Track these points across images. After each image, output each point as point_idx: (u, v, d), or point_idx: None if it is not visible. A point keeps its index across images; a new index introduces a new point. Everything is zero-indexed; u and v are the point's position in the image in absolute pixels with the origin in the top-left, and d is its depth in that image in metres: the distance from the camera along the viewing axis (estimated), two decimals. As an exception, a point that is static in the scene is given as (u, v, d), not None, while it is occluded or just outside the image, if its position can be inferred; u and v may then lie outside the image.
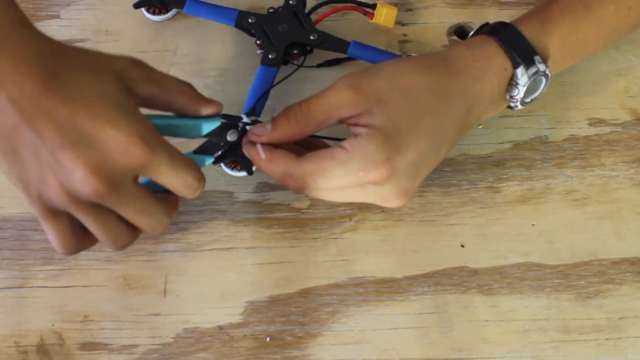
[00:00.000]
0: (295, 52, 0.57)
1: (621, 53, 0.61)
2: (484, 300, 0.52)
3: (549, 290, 0.53)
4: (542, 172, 0.56)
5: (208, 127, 0.49)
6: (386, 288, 0.53)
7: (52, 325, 0.51)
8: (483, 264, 0.53)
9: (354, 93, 0.46)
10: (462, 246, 0.54)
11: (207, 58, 0.59)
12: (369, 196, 0.48)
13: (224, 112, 0.49)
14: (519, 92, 0.50)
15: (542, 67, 0.50)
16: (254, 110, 0.54)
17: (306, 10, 0.57)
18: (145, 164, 0.41)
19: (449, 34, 0.61)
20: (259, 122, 0.50)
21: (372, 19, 0.59)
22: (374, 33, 0.60)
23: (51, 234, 0.43)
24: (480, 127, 0.58)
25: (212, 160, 0.50)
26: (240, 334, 0.51)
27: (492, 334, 0.52)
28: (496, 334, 0.52)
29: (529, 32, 0.50)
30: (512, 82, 0.50)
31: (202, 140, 0.49)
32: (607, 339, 0.52)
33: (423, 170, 0.48)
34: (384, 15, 0.58)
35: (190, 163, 0.45)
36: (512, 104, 0.52)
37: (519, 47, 0.49)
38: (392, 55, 0.58)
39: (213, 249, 0.53)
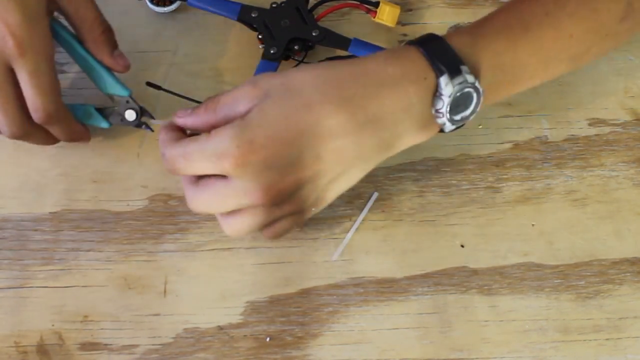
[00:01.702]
0: (296, 47, 0.57)
1: (621, 53, 0.61)
2: (484, 300, 0.52)
3: (549, 291, 0.53)
4: (542, 172, 0.56)
5: (113, 87, 0.52)
6: (386, 288, 0.53)
7: (52, 325, 0.51)
8: (483, 264, 0.53)
9: (251, 87, 0.44)
10: (462, 246, 0.54)
11: (207, 58, 0.59)
12: (239, 195, 0.44)
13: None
14: (444, 104, 0.45)
15: (470, 77, 0.45)
16: None
17: (309, 7, 0.57)
18: (12, 58, 0.46)
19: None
20: None
21: (374, 17, 0.59)
22: (374, 33, 0.60)
23: None
24: (480, 127, 0.58)
25: (107, 125, 0.53)
26: (240, 334, 0.51)
27: (492, 334, 0.52)
28: (496, 334, 0.52)
29: (457, 44, 0.46)
30: (436, 94, 0.45)
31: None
32: (607, 339, 0.52)
33: (294, 169, 0.43)
34: (387, 13, 0.58)
35: (52, 90, 0.48)
36: (439, 120, 0.46)
37: (443, 56, 0.45)
38: None
39: (213, 249, 0.53)
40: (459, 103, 0.46)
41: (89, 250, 0.53)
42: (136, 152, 0.56)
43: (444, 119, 0.46)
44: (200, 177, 0.45)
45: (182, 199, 0.55)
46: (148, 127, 0.54)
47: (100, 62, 0.52)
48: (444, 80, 0.44)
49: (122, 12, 0.60)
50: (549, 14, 0.48)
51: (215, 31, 0.60)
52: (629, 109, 0.59)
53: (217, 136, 0.43)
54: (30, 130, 0.50)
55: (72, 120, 0.52)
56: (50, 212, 0.54)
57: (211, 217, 0.54)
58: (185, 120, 0.46)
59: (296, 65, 0.57)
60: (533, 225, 0.55)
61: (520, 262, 0.54)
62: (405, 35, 0.61)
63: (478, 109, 0.47)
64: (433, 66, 0.45)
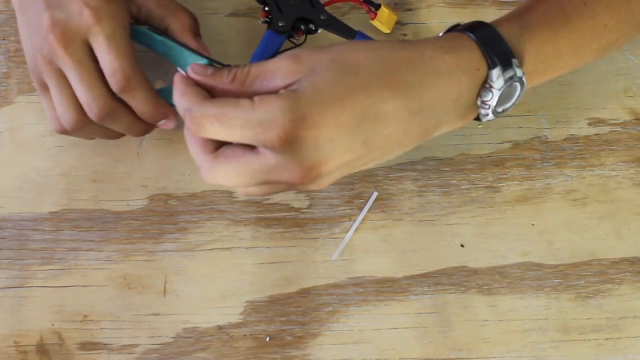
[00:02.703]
0: (302, 27, 0.57)
1: (621, 53, 0.61)
2: (484, 300, 0.52)
3: (549, 290, 0.53)
4: (542, 172, 0.56)
5: (193, 60, 0.49)
6: (386, 288, 0.53)
7: (52, 325, 0.51)
8: (483, 264, 0.53)
9: (292, 62, 0.42)
10: (462, 246, 0.54)
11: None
12: (273, 171, 0.41)
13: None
14: (493, 97, 0.44)
15: (519, 72, 0.45)
16: None
17: None
18: (89, 29, 0.46)
19: (449, 34, 0.61)
20: None
21: (373, 19, 0.59)
22: (374, 34, 0.60)
23: (44, 106, 0.50)
24: (480, 127, 0.58)
25: None
26: (240, 334, 0.51)
27: (492, 334, 0.52)
28: (496, 334, 0.52)
29: (507, 34, 0.45)
30: (486, 86, 0.44)
31: None
32: (607, 339, 0.52)
33: (341, 153, 0.41)
34: (386, 17, 0.58)
35: (129, 54, 0.47)
36: (482, 112, 0.46)
37: (497, 48, 0.44)
38: None
39: (213, 249, 0.53)
40: (505, 96, 0.45)
41: (89, 250, 0.53)
42: (136, 152, 0.56)
43: (488, 111, 0.45)
44: (217, 146, 0.42)
45: (182, 199, 0.55)
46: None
47: (183, 46, 0.50)
48: (496, 73, 0.44)
49: (122, 12, 0.60)
50: (588, 4, 0.48)
51: (215, 31, 0.60)
52: (629, 109, 0.59)
53: (265, 105, 0.40)
54: (116, 106, 0.47)
55: (152, 91, 0.48)
56: (50, 212, 0.54)
57: (211, 217, 0.54)
58: (205, 79, 0.43)
59: (294, 48, 0.57)
60: (533, 225, 0.55)
61: (520, 262, 0.54)
62: (405, 35, 0.61)
63: (518, 102, 0.46)
64: (487, 58, 0.44)
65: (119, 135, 0.52)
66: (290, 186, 0.43)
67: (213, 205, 0.55)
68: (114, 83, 0.47)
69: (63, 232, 0.54)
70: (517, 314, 0.52)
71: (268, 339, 0.51)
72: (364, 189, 0.55)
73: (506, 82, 0.44)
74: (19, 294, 0.52)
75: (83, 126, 0.49)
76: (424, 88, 0.42)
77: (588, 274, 0.54)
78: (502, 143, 0.57)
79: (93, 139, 0.54)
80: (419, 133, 0.44)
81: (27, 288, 0.52)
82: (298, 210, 0.55)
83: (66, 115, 0.48)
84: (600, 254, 0.54)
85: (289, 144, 0.40)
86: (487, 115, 0.46)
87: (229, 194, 0.55)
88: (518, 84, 0.45)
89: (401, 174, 0.56)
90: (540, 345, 0.51)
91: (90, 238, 0.53)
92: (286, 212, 0.55)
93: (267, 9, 0.57)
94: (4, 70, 0.58)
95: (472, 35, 0.45)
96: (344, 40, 0.57)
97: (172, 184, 0.55)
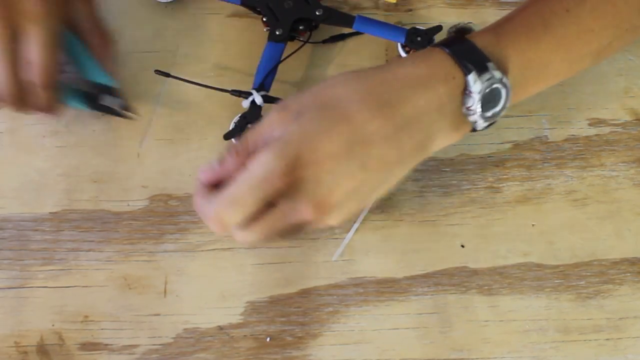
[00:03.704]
0: (301, 27, 0.57)
1: (621, 53, 0.61)
2: (484, 300, 0.52)
3: (549, 291, 0.53)
4: (542, 172, 0.56)
5: (100, 78, 0.54)
6: (386, 288, 0.53)
7: (52, 325, 0.51)
8: (483, 264, 0.53)
9: (280, 112, 0.44)
10: (462, 246, 0.54)
11: (207, 58, 0.59)
12: (287, 215, 0.43)
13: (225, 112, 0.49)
14: (474, 102, 0.45)
15: (497, 73, 0.45)
16: (263, 85, 0.55)
17: None
18: (28, 16, 0.49)
19: (449, 34, 0.61)
20: (269, 97, 0.54)
21: None
22: (377, 15, 0.60)
23: None
24: (481, 127, 0.58)
25: (83, 107, 0.54)
26: (240, 334, 0.51)
27: (492, 334, 0.52)
28: (496, 334, 0.52)
29: (481, 43, 0.46)
30: (465, 92, 0.45)
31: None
32: (607, 339, 0.52)
33: (342, 181, 0.43)
34: None
35: (56, 54, 0.50)
36: (470, 118, 0.46)
37: (469, 55, 0.45)
38: (397, 29, 0.58)
39: (213, 249, 0.53)
40: (489, 99, 0.46)
41: (89, 251, 0.53)
42: (136, 152, 0.56)
43: (475, 117, 0.46)
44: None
45: (182, 199, 0.55)
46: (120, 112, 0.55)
47: (93, 60, 0.54)
48: (472, 77, 0.45)
49: (122, 12, 0.60)
50: (570, 11, 0.48)
51: (215, 31, 0.60)
52: (629, 109, 0.59)
53: (257, 160, 0.42)
54: (17, 91, 0.50)
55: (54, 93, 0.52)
56: (50, 212, 0.54)
57: (211, 217, 0.54)
58: (213, 172, 0.44)
59: (301, 47, 0.58)
60: (533, 225, 0.55)
61: (520, 262, 0.54)
62: (405, 35, 0.61)
63: (508, 105, 0.47)
64: (460, 65, 0.45)
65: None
66: (308, 225, 0.44)
67: (213, 205, 0.55)
68: (36, 74, 0.50)
69: (63, 232, 0.54)
70: (517, 314, 0.52)
71: (268, 339, 0.51)
72: (364, 189, 0.55)
73: (484, 85, 0.45)
74: (19, 294, 0.52)
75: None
76: (402, 102, 0.44)
77: (588, 274, 0.54)
78: (502, 143, 0.57)
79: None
80: (412, 147, 0.45)
81: (27, 288, 0.52)
82: (298, 210, 0.55)
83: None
84: (600, 254, 0.54)
85: (295, 186, 0.42)
86: (476, 121, 0.46)
87: (229, 194, 0.55)
88: (499, 86, 0.46)
89: (401, 174, 0.56)
90: (541, 345, 0.51)
91: (90, 238, 0.53)
92: (286, 212, 0.55)
93: (264, 19, 0.57)
94: (4, 71, 0.58)
95: (444, 48, 0.46)
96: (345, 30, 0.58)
97: (172, 184, 0.55)
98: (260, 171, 0.41)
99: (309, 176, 0.42)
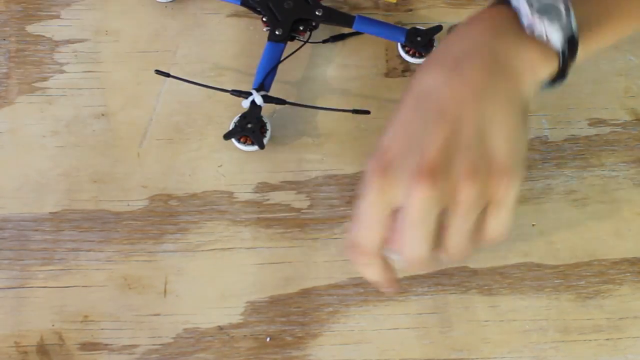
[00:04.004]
0: (301, 28, 0.57)
1: (621, 53, 0.61)
2: (484, 300, 0.52)
3: (549, 291, 0.53)
4: (542, 172, 0.56)
5: None
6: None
7: (52, 325, 0.51)
8: (483, 264, 0.53)
9: (372, 163, 0.41)
10: (462, 246, 0.54)
11: (207, 58, 0.59)
12: (410, 207, 0.40)
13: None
14: (526, 13, 0.42)
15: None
16: (263, 85, 0.55)
17: None
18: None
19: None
20: (269, 97, 0.54)
21: None
22: (374, 13, 0.60)
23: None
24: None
25: None
26: (240, 334, 0.51)
27: (492, 334, 0.52)
28: (496, 334, 0.52)
29: None
30: (515, 11, 0.43)
31: None
32: (607, 339, 0.52)
33: (425, 137, 0.40)
34: None
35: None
36: (536, 32, 0.42)
37: None
38: (397, 29, 0.58)
39: (213, 249, 0.53)
40: (545, 10, 0.42)
41: (89, 250, 0.53)
42: (136, 152, 0.56)
43: (538, 27, 0.42)
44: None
45: (182, 199, 0.55)
46: None
47: None
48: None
49: (122, 12, 0.60)
50: None
51: (215, 31, 0.60)
52: (629, 109, 0.59)
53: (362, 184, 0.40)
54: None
55: None
56: (50, 212, 0.54)
57: (212, 217, 0.54)
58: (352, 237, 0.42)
59: (301, 47, 0.57)
60: (533, 225, 0.55)
61: (520, 262, 0.54)
62: (405, 35, 0.61)
63: (573, 21, 0.42)
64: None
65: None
66: (452, 206, 0.40)
67: (213, 205, 0.55)
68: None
69: (63, 232, 0.54)
70: (518, 314, 0.52)
71: (268, 339, 0.51)
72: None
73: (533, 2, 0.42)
74: (19, 294, 0.52)
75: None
76: (450, 45, 0.43)
77: (588, 274, 0.53)
78: (502, 143, 0.57)
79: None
80: (478, 70, 0.41)
81: (27, 288, 0.52)
82: (298, 210, 0.55)
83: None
84: (600, 254, 0.54)
85: (384, 173, 0.40)
86: (541, 33, 0.42)
87: (229, 194, 0.55)
88: (551, 1, 0.42)
89: (401, 174, 0.56)
90: (541, 345, 0.51)
91: (90, 238, 0.53)
92: (286, 212, 0.55)
93: (264, 19, 0.57)
94: (4, 70, 0.58)
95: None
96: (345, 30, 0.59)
97: (172, 184, 0.55)
98: (364, 189, 0.40)
99: (397, 154, 0.40)
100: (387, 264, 0.43)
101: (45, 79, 0.58)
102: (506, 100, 0.41)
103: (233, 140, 0.55)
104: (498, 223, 0.41)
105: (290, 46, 0.57)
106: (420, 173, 0.38)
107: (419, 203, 0.39)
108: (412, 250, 0.41)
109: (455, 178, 0.39)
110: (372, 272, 0.43)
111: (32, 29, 0.60)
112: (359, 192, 0.41)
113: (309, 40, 0.58)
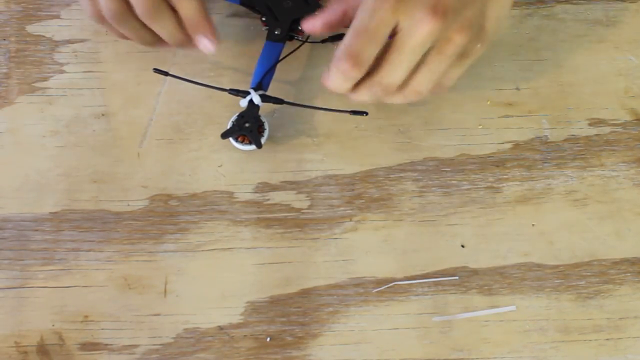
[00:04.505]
0: (299, 28, 0.57)
1: (621, 53, 0.61)
2: (484, 300, 0.52)
3: (549, 291, 0.53)
4: (542, 172, 0.56)
5: None
6: (386, 288, 0.53)
7: (52, 325, 0.51)
8: (483, 264, 0.54)
9: None
10: (462, 246, 0.54)
11: (206, 58, 0.59)
12: (411, 35, 0.45)
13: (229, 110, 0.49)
14: None
15: None
16: (261, 85, 0.55)
17: None
18: None
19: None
20: (267, 96, 0.54)
21: None
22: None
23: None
24: (480, 127, 0.58)
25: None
26: (241, 334, 0.51)
27: (492, 334, 0.52)
28: (496, 334, 0.52)
29: None
30: None
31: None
32: (607, 339, 0.52)
33: None
34: None
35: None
36: None
37: None
38: None
39: (213, 249, 0.53)
40: None
41: (89, 250, 0.53)
42: (136, 152, 0.56)
43: None
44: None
45: (182, 199, 0.55)
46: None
47: None
48: None
49: (122, 12, 0.60)
50: None
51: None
52: (629, 109, 0.59)
53: None
54: (162, 5, 0.49)
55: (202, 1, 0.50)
56: (50, 212, 0.54)
57: (212, 217, 0.54)
58: (322, 19, 0.50)
59: (300, 46, 0.58)
60: (533, 225, 0.55)
61: (520, 262, 0.54)
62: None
63: None
64: None
65: (154, 42, 0.53)
66: (444, 45, 0.47)
67: (213, 205, 0.55)
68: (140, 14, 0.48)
69: (63, 232, 0.54)
70: (517, 314, 0.52)
71: (268, 339, 0.51)
72: (364, 189, 0.55)
73: None
74: (19, 294, 0.52)
75: (124, 19, 0.50)
76: None
77: (588, 274, 0.54)
78: (502, 143, 0.57)
79: (126, 38, 0.53)
80: None
81: (27, 288, 0.52)
82: (298, 210, 0.55)
83: (109, 3, 0.49)
84: (600, 254, 0.54)
85: (407, 3, 0.45)
86: None
87: (229, 194, 0.55)
88: None
89: (401, 174, 0.56)
90: (541, 345, 0.51)
91: (90, 238, 0.53)
92: (286, 212, 0.55)
93: (263, 18, 0.57)
94: (4, 70, 0.58)
95: None
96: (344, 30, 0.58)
97: (172, 184, 0.55)
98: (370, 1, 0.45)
99: None
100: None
101: (45, 79, 0.58)
102: None
103: (230, 139, 0.55)
104: (452, 74, 0.50)
105: (289, 46, 0.57)
106: (436, 10, 0.45)
107: (423, 34, 0.45)
108: (391, 74, 0.47)
109: (456, 26, 0.46)
110: (348, 83, 0.49)
111: (32, 29, 0.60)
112: (363, 7, 0.46)
113: (308, 40, 0.58)
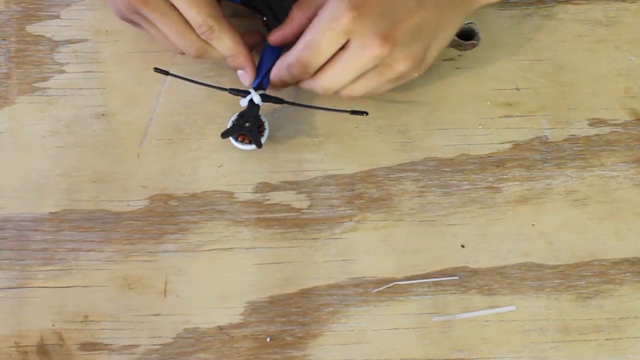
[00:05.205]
0: None
1: (621, 53, 0.61)
2: (484, 300, 0.52)
3: (549, 291, 0.53)
4: (542, 172, 0.56)
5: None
6: (386, 288, 0.53)
7: (52, 325, 0.51)
8: (483, 264, 0.53)
9: None
10: (462, 246, 0.54)
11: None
12: (358, 55, 0.49)
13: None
14: None
15: None
16: (261, 84, 0.55)
17: None
18: None
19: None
20: (267, 96, 0.55)
21: None
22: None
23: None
24: (480, 127, 0.58)
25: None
26: (241, 334, 0.51)
27: (492, 334, 0.52)
28: (496, 334, 0.52)
29: None
30: None
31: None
32: (607, 339, 0.52)
33: (402, 16, 0.49)
34: None
35: (206, 6, 0.51)
36: None
37: None
38: None
39: (213, 249, 0.53)
40: None
41: (89, 251, 0.53)
42: (136, 152, 0.56)
43: None
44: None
45: (182, 199, 0.55)
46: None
47: None
48: None
49: (122, 12, 0.60)
50: None
51: (215, 31, 0.60)
52: (629, 109, 0.59)
53: (325, 7, 0.49)
54: (208, 47, 0.53)
55: (236, 37, 0.53)
56: (50, 212, 0.54)
57: (212, 217, 0.54)
58: (284, 32, 0.53)
59: None
60: (533, 225, 0.55)
61: (520, 262, 0.54)
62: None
63: None
64: None
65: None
66: (385, 69, 0.51)
67: (213, 205, 0.55)
68: (201, 34, 0.52)
69: (63, 232, 0.54)
70: (517, 314, 0.52)
71: (268, 339, 0.51)
72: (364, 189, 0.55)
73: None
74: (19, 294, 0.52)
75: (206, 54, 0.54)
76: None
77: (588, 274, 0.54)
78: (502, 143, 0.57)
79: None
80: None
81: (27, 288, 0.52)
82: (298, 210, 0.55)
83: (191, 49, 0.53)
84: (600, 254, 0.54)
85: (361, 19, 0.48)
86: None
87: (229, 194, 0.55)
88: None
89: (401, 174, 0.56)
90: (541, 345, 0.51)
91: (90, 238, 0.53)
92: (286, 212, 0.55)
93: (264, 18, 0.57)
94: (4, 71, 0.58)
95: None
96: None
97: (172, 184, 0.55)
98: (328, 15, 0.48)
99: (372, 11, 0.48)
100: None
101: (45, 79, 0.58)
102: (459, 21, 0.54)
103: (230, 138, 0.55)
104: (387, 88, 0.54)
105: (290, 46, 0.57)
106: (386, 38, 0.48)
107: (368, 57, 0.49)
108: (332, 83, 0.52)
109: (400, 56, 0.50)
110: (292, 82, 0.54)
111: (32, 29, 0.60)
112: (320, 14, 0.49)
113: None
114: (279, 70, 0.53)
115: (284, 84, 0.54)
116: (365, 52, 0.49)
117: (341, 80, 0.51)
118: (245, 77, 0.55)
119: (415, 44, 0.50)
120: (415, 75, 0.53)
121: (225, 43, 0.53)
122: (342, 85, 0.52)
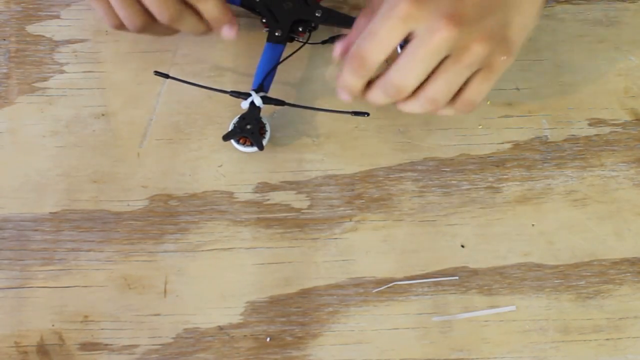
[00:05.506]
0: (300, 29, 0.57)
1: (621, 53, 0.61)
2: (484, 300, 0.52)
3: (549, 291, 0.53)
4: (542, 172, 0.57)
5: None
6: (386, 288, 0.53)
7: (52, 325, 0.51)
8: (483, 264, 0.54)
9: None
10: (462, 246, 0.54)
11: (206, 58, 0.59)
12: (425, 42, 0.44)
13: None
14: None
15: None
16: (262, 86, 0.55)
17: None
18: None
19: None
20: (268, 98, 0.54)
21: None
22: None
23: (94, 5, 0.52)
24: (480, 127, 0.58)
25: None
26: (241, 334, 0.51)
27: (492, 334, 0.52)
28: (496, 334, 0.52)
29: None
30: None
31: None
32: (607, 339, 0.52)
33: None
34: None
35: None
36: None
37: None
38: None
39: (213, 249, 0.53)
40: None
41: (89, 251, 0.53)
42: (136, 152, 0.56)
43: None
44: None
45: (182, 199, 0.55)
46: None
47: None
48: None
49: (122, 12, 0.60)
50: None
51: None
52: (629, 109, 0.59)
53: (385, 1, 0.45)
54: (185, 10, 0.51)
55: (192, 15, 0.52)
56: (50, 212, 0.54)
57: (212, 217, 0.54)
58: (349, 38, 0.48)
59: (300, 48, 0.58)
60: (533, 225, 0.55)
61: (520, 262, 0.54)
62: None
63: None
64: None
65: (174, 32, 0.54)
66: (460, 54, 0.45)
67: (213, 205, 0.55)
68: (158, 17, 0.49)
69: (63, 232, 0.54)
70: (517, 314, 0.52)
71: (268, 339, 0.51)
72: (364, 189, 0.55)
73: None
74: (19, 294, 0.52)
75: (148, 29, 0.52)
76: None
77: (588, 274, 0.54)
78: (502, 143, 0.57)
79: (145, 33, 0.54)
80: None
81: (27, 288, 0.52)
82: (298, 210, 0.55)
83: (132, 18, 0.50)
84: (600, 254, 0.54)
85: (418, 4, 0.44)
86: None
87: (229, 194, 0.55)
88: None
89: (401, 174, 0.56)
90: (541, 345, 0.51)
91: (90, 238, 0.53)
92: (286, 212, 0.55)
93: (264, 20, 0.57)
94: (4, 71, 0.58)
95: None
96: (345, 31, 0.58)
97: (172, 184, 0.55)
98: (388, 3, 0.44)
99: None
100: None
101: (45, 79, 0.58)
102: (538, 3, 0.48)
103: (232, 141, 0.55)
104: (480, 89, 0.48)
105: (290, 47, 0.57)
106: (452, 16, 0.43)
107: (437, 40, 0.44)
108: (404, 78, 0.46)
109: (474, 35, 0.44)
110: (356, 82, 0.48)
111: (32, 29, 0.60)
112: (380, 8, 0.45)
113: (309, 41, 0.58)
114: (344, 69, 0.48)
115: (350, 90, 0.49)
116: (433, 37, 0.44)
117: (413, 74, 0.46)
118: (232, 32, 0.53)
119: (487, 19, 0.45)
120: (505, 60, 0.47)
121: (212, 2, 0.51)
122: (416, 80, 0.46)
